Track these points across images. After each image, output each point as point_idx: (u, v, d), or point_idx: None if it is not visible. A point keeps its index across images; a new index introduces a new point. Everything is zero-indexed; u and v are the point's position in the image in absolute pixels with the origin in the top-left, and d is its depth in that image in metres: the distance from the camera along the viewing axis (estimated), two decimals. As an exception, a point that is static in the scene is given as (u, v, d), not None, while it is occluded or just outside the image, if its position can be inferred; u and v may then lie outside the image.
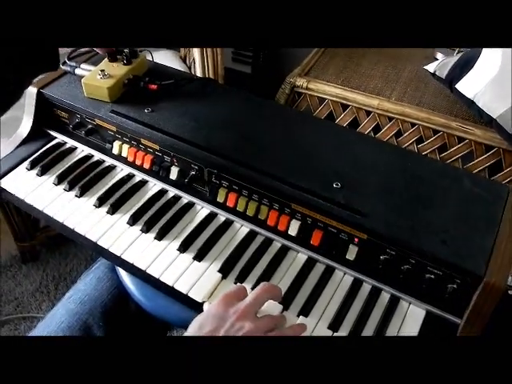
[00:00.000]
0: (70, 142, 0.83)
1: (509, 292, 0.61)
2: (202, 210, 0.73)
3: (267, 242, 0.68)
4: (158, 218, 0.71)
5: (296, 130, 0.77)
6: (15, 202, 0.76)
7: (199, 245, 0.67)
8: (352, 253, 0.64)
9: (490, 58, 1.03)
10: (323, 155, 0.71)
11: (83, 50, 0.85)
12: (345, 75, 1.28)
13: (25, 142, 0.82)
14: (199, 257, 0.66)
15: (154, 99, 0.79)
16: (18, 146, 0.82)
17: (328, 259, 0.65)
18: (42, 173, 0.77)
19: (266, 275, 0.64)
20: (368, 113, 1.21)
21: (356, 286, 0.64)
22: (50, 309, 0.75)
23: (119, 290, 0.75)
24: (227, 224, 0.70)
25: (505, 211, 0.64)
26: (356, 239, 0.63)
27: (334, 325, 0.59)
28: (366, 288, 0.64)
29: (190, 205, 0.73)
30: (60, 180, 0.76)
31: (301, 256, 0.67)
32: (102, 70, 0.77)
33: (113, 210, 0.72)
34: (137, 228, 0.70)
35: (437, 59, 1.29)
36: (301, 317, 0.60)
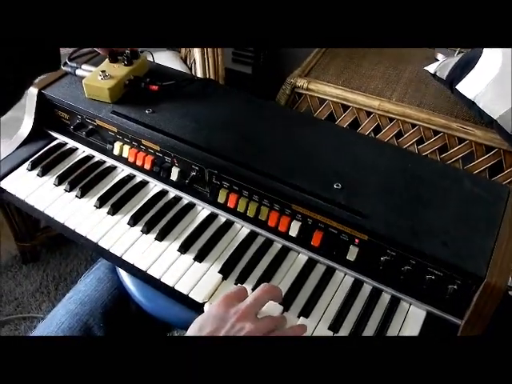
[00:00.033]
0: (71, 143, 0.83)
1: (509, 293, 0.61)
2: (203, 210, 0.73)
3: (268, 243, 0.68)
4: (158, 219, 0.71)
5: (296, 130, 0.77)
6: (16, 203, 0.76)
7: (200, 246, 0.67)
8: (352, 254, 0.64)
9: (491, 59, 1.04)
10: (324, 156, 0.71)
11: (84, 50, 0.86)
12: (345, 76, 1.28)
13: (25, 142, 0.82)
14: (200, 257, 0.66)
15: (154, 100, 0.79)
16: (18, 147, 0.82)
17: (328, 260, 0.65)
18: (43, 173, 0.77)
19: (267, 276, 0.64)
20: (368, 113, 1.21)
21: (356, 286, 0.64)
22: (51, 309, 0.75)
23: (120, 290, 0.75)
24: (228, 225, 0.70)
25: (505, 212, 0.64)
26: (356, 240, 0.63)
27: (335, 326, 0.59)
28: (366, 289, 0.64)
29: (191, 205, 0.73)
30: (61, 181, 0.76)
31: (301, 257, 0.67)
32: (103, 71, 0.77)
33: (113, 210, 0.72)
34: (137, 229, 0.70)
35: (437, 60, 1.29)
36: (301, 318, 0.60)
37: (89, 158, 0.81)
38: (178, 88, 0.81)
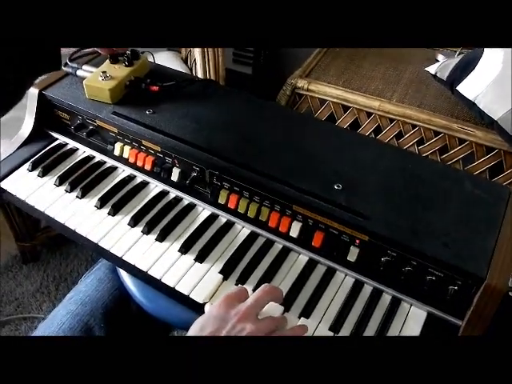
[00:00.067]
0: (72, 143, 0.83)
1: (510, 294, 0.61)
2: (204, 211, 0.73)
3: (268, 244, 0.68)
4: (159, 220, 0.71)
5: (297, 131, 0.77)
6: (16, 203, 0.76)
7: (200, 246, 0.67)
8: (353, 254, 0.64)
9: (491, 60, 1.04)
10: (324, 157, 0.72)
11: (85, 51, 0.86)
12: (346, 77, 1.28)
13: (26, 142, 0.82)
14: (200, 258, 0.66)
15: (155, 101, 0.79)
16: (19, 147, 0.82)
17: (329, 261, 0.66)
18: (44, 174, 0.77)
19: (268, 277, 0.64)
20: (369, 114, 1.21)
21: (357, 287, 0.64)
22: (51, 309, 0.75)
23: (120, 291, 0.75)
24: (228, 225, 0.70)
25: (506, 213, 0.64)
26: (357, 241, 0.63)
27: (335, 326, 0.59)
28: (367, 289, 0.64)
29: (192, 206, 0.73)
30: (61, 181, 0.76)
31: (302, 257, 0.67)
32: (104, 72, 0.77)
33: (114, 211, 0.72)
34: (138, 229, 0.70)
35: (438, 61, 1.29)
36: (302, 318, 0.60)
37: (89, 158, 0.81)
38: (179, 89, 0.81)
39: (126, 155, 0.78)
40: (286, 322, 0.57)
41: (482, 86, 1.04)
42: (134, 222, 0.70)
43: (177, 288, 0.63)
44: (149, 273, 0.65)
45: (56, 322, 0.71)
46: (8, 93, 0.61)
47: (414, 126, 1.16)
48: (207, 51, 1.27)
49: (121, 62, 0.80)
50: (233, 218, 0.71)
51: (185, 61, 1.48)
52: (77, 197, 0.74)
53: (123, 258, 0.66)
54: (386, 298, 0.63)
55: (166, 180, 0.75)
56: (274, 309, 0.58)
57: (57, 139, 0.84)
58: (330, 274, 0.65)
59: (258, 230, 0.69)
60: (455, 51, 1.33)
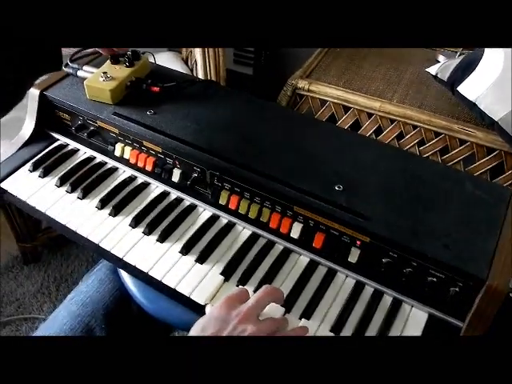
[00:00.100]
0: (73, 144, 0.83)
1: (511, 295, 0.61)
2: (204, 212, 0.73)
3: (269, 245, 0.68)
4: (160, 221, 0.71)
5: (298, 132, 0.77)
6: (17, 204, 0.76)
7: (201, 247, 0.67)
8: (354, 255, 0.64)
9: (492, 61, 1.04)
10: (325, 157, 0.71)
11: (86, 51, 0.86)
12: (346, 77, 1.28)
13: (27, 143, 0.82)
14: (201, 259, 0.66)
15: (156, 101, 0.79)
16: (20, 148, 0.82)
17: (330, 262, 0.65)
18: (45, 174, 0.77)
19: (268, 278, 0.64)
20: (369, 115, 1.21)
21: (358, 288, 0.64)
22: (52, 310, 0.75)
23: (121, 292, 0.75)
24: (229, 226, 0.70)
25: (507, 214, 0.64)
26: (358, 242, 0.63)
27: (336, 328, 0.59)
28: (368, 291, 0.64)
29: (192, 207, 0.73)
30: (62, 182, 0.76)
31: (303, 258, 0.67)
32: (105, 72, 0.77)
33: (115, 212, 0.72)
34: (139, 230, 0.70)
35: (438, 61, 1.29)
36: (303, 319, 0.60)
37: (90, 159, 0.81)
38: (180, 89, 0.81)
39: (126, 156, 0.78)
40: (287, 323, 0.57)
41: (483, 87, 1.03)
42: (134, 222, 0.70)
43: (178, 289, 0.63)
44: (150, 274, 0.65)
45: (57, 322, 0.71)
46: (9, 93, 0.61)
47: (414, 127, 1.16)
48: (208, 52, 1.28)
49: (122, 63, 0.80)
50: (234, 219, 0.70)
51: (185, 61, 1.48)
52: (78, 198, 0.74)
53: (124, 258, 0.66)
54: (387, 300, 0.63)
55: (167, 181, 0.75)
56: (274, 310, 0.58)
57: (58, 140, 0.84)
58: (330, 275, 0.65)
59: (259, 231, 0.69)
60: (456, 52, 1.33)
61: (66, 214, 0.72)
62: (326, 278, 0.65)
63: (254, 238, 0.69)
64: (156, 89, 0.79)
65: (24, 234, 1.36)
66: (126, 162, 0.79)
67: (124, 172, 0.79)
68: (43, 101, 0.82)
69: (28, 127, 0.83)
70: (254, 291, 0.62)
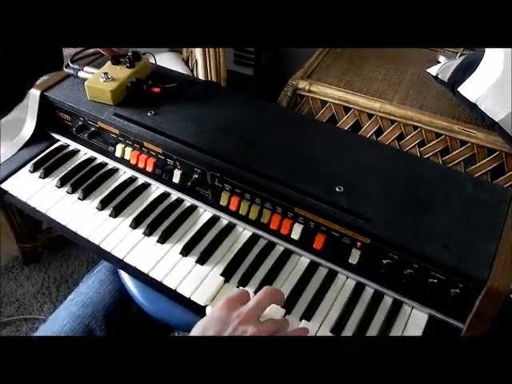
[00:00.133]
0: (73, 145, 0.83)
1: (511, 296, 0.61)
2: (205, 213, 0.73)
3: (270, 246, 0.68)
4: (160, 221, 0.71)
5: (298, 133, 0.77)
6: (18, 205, 0.76)
7: (202, 248, 0.67)
8: (355, 257, 0.64)
9: (493, 61, 1.03)
10: (325, 158, 0.71)
11: (87, 52, 0.86)
12: (347, 78, 1.28)
13: (28, 144, 0.82)
14: (202, 260, 0.66)
15: (156, 102, 0.79)
16: (20, 149, 0.82)
17: (330, 263, 0.65)
18: (45, 175, 0.77)
19: (269, 279, 0.64)
20: (370, 116, 1.20)
21: (358, 290, 0.64)
22: (52, 311, 0.75)
23: (121, 292, 0.75)
24: (230, 227, 0.70)
25: (507, 215, 0.64)
26: (359, 243, 0.63)
27: (337, 329, 0.59)
28: (368, 292, 0.64)
29: (193, 208, 0.73)
30: (63, 183, 0.76)
31: (303, 260, 0.67)
32: (105, 73, 0.77)
33: (115, 212, 0.72)
34: (139, 231, 0.70)
35: (439, 62, 1.29)
36: (303, 321, 0.60)
37: (91, 159, 0.81)
38: (180, 90, 0.81)
39: (127, 157, 0.78)
40: (287, 325, 0.57)
41: (484, 88, 1.03)
42: (135, 223, 0.70)
43: (178, 290, 0.63)
44: (150, 275, 0.65)
45: (57, 323, 0.71)
46: (9, 93, 0.61)
47: (415, 128, 1.16)
48: (208, 52, 1.28)
49: (122, 64, 0.80)
50: (234, 220, 0.70)
51: (186, 62, 1.48)
52: (78, 198, 0.74)
53: (124, 259, 0.66)
54: (387, 301, 0.63)
55: (168, 182, 0.75)
56: (275, 311, 0.58)
57: (58, 141, 0.84)
58: (331, 276, 0.65)
59: (260, 232, 0.69)
60: (456, 52, 1.33)
61: (67, 215, 0.72)
62: (327, 279, 0.65)
63: (254, 239, 0.69)
64: (157, 89, 0.79)
65: (24, 234, 1.36)
66: (127, 163, 0.79)
67: (124, 173, 0.79)
68: (44, 101, 0.82)
69: (29, 128, 0.83)
70: (255, 292, 0.62)
